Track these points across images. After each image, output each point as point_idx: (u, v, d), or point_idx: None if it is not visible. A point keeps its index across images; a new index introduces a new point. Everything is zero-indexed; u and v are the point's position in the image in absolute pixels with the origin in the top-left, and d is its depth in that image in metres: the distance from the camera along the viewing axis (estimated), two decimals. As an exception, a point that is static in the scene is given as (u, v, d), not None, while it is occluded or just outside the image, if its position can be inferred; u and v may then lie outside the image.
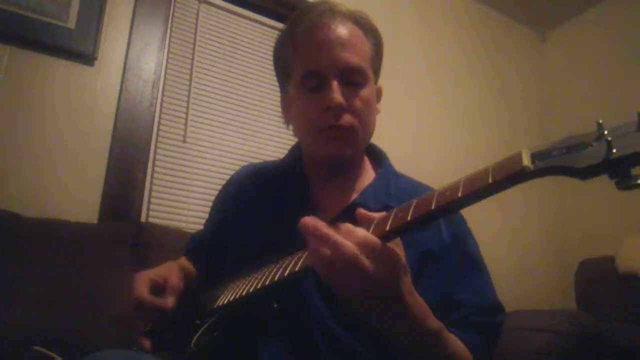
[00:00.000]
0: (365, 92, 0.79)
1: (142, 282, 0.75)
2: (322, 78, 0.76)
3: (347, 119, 0.76)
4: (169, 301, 0.74)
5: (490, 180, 0.44)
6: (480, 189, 0.45)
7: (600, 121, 0.41)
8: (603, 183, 0.44)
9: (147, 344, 0.73)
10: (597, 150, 0.40)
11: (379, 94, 0.88)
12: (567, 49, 3.10)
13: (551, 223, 2.86)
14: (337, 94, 0.74)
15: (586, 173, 0.40)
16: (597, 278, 2.30)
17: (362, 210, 0.57)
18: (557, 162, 0.42)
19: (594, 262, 2.39)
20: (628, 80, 2.67)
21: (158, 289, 0.76)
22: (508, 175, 0.44)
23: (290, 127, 0.90)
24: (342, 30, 0.78)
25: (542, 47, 3.25)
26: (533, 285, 2.55)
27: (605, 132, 0.40)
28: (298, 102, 0.81)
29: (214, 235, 0.93)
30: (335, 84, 0.75)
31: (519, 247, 2.65)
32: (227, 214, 0.91)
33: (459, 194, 0.46)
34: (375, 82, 0.85)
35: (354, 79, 0.78)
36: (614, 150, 0.38)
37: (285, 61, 0.84)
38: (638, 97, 2.59)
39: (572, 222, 2.85)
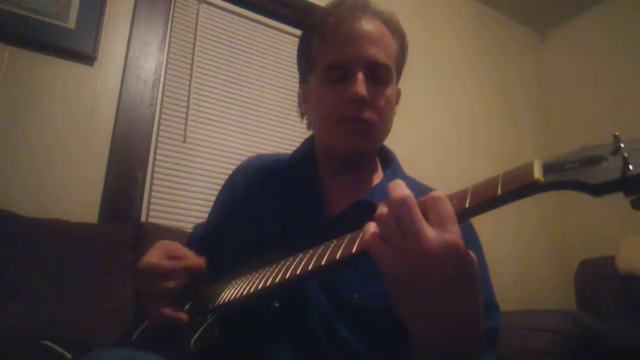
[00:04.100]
0: (388, 90, 0.79)
1: (154, 253, 0.72)
2: (347, 70, 0.76)
3: (368, 114, 0.76)
4: (191, 262, 0.71)
5: (499, 192, 0.43)
6: (488, 200, 0.43)
7: (617, 133, 0.38)
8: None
9: (183, 315, 0.69)
10: (613, 165, 0.37)
11: (398, 95, 0.88)
12: (567, 49, 3.10)
13: (551, 223, 2.86)
14: (361, 87, 0.74)
15: (600, 190, 0.37)
16: (597, 278, 2.30)
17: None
18: (569, 177, 0.39)
19: (594, 262, 2.39)
20: (628, 80, 2.67)
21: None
22: (518, 188, 0.42)
23: (304, 120, 0.90)
24: (371, 26, 0.78)
25: (542, 47, 3.25)
26: (533, 285, 2.55)
27: (622, 146, 0.38)
28: (319, 93, 0.80)
29: (219, 226, 0.91)
30: (360, 76, 0.75)
31: (519, 247, 2.65)
32: (235, 205, 0.89)
33: (466, 205, 0.45)
34: (397, 84, 0.85)
35: (379, 75, 0.78)
36: (631, 167, 0.36)
37: (311, 51, 0.83)
38: (638, 97, 2.59)
39: (572, 222, 2.85)
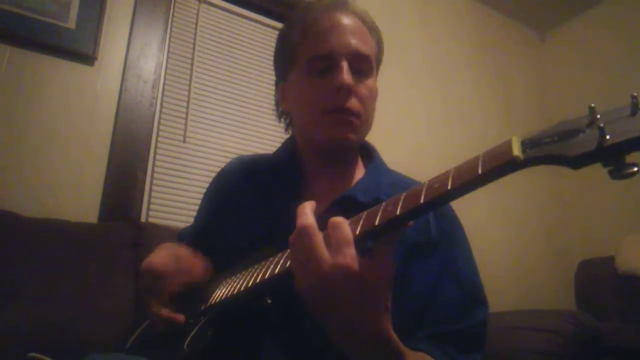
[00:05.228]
0: (370, 82, 0.80)
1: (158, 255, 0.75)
2: (331, 61, 0.76)
3: (354, 103, 0.76)
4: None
5: (479, 172, 0.43)
6: (470, 180, 0.43)
7: (593, 105, 0.39)
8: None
9: (181, 317, 0.71)
10: (590, 137, 0.37)
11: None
12: (567, 49, 3.10)
13: (551, 223, 2.86)
14: (347, 75, 0.75)
15: (578, 162, 0.38)
16: (597, 278, 2.30)
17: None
18: (548, 151, 0.39)
19: (594, 262, 2.38)
20: (628, 80, 2.66)
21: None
22: (498, 166, 0.42)
23: (282, 121, 0.91)
24: (352, 20, 0.80)
25: (542, 47, 3.25)
26: (533, 285, 2.55)
27: (598, 117, 0.38)
28: (302, 86, 0.80)
29: (205, 228, 0.92)
30: (346, 65, 0.75)
31: (519, 247, 2.65)
32: (219, 207, 0.90)
33: (448, 187, 0.45)
34: (375, 79, 0.86)
35: (362, 67, 0.78)
36: (607, 137, 0.36)
37: (292, 46, 0.83)
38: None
39: (571, 222, 2.85)
